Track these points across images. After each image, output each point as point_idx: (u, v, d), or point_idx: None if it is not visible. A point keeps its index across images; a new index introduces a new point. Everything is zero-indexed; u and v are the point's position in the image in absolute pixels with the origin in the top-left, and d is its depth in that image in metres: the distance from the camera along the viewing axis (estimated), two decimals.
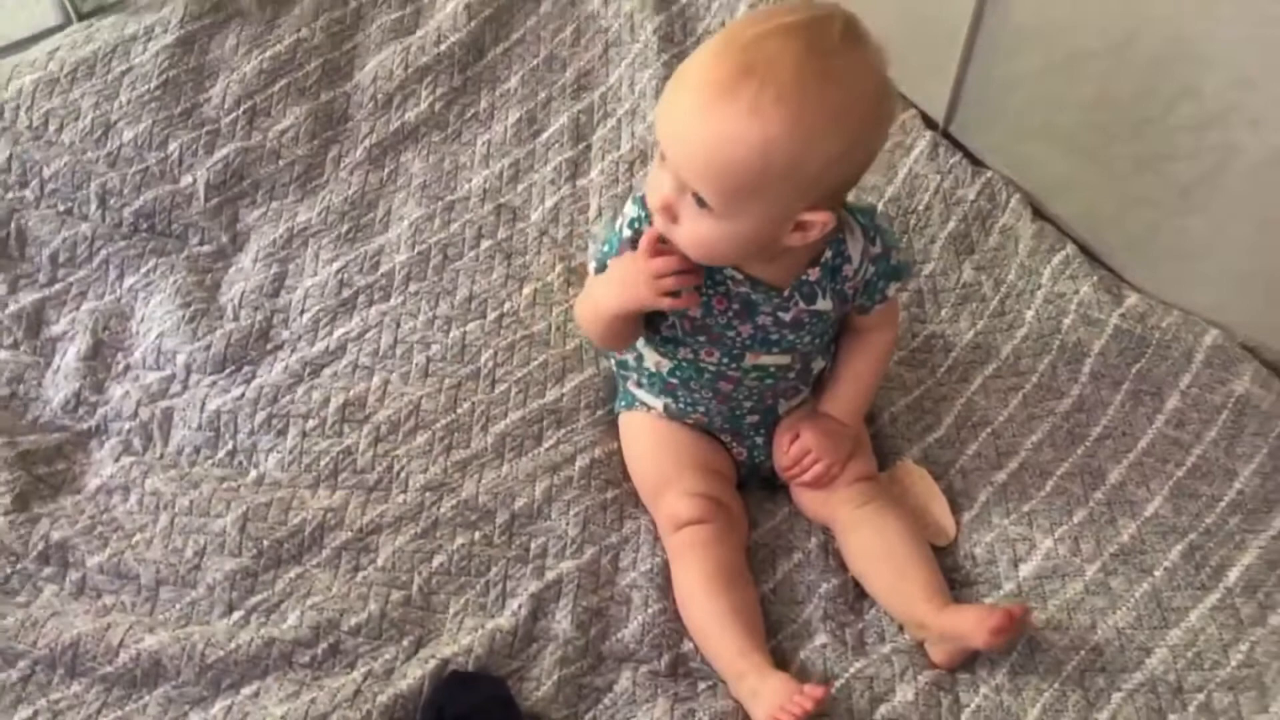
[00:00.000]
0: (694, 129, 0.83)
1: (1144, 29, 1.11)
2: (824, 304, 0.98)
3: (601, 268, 0.99)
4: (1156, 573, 1.00)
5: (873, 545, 1.02)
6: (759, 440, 1.09)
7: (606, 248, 1.00)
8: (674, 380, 1.05)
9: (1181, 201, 1.16)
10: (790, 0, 0.90)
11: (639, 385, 1.10)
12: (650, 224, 0.93)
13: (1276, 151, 1.05)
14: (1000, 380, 1.16)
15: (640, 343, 1.05)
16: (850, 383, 1.06)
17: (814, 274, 0.96)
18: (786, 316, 0.97)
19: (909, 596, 0.98)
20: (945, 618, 0.95)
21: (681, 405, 1.07)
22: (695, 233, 0.88)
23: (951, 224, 1.29)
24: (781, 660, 0.98)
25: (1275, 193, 1.07)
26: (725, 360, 1.01)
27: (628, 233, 0.97)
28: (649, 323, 1.02)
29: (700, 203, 0.86)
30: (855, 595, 1.03)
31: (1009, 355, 1.18)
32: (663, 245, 0.91)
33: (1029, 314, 1.21)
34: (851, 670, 0.97)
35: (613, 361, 1.13)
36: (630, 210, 0.97)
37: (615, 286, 0.96)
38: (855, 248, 0.96)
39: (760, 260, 0.94)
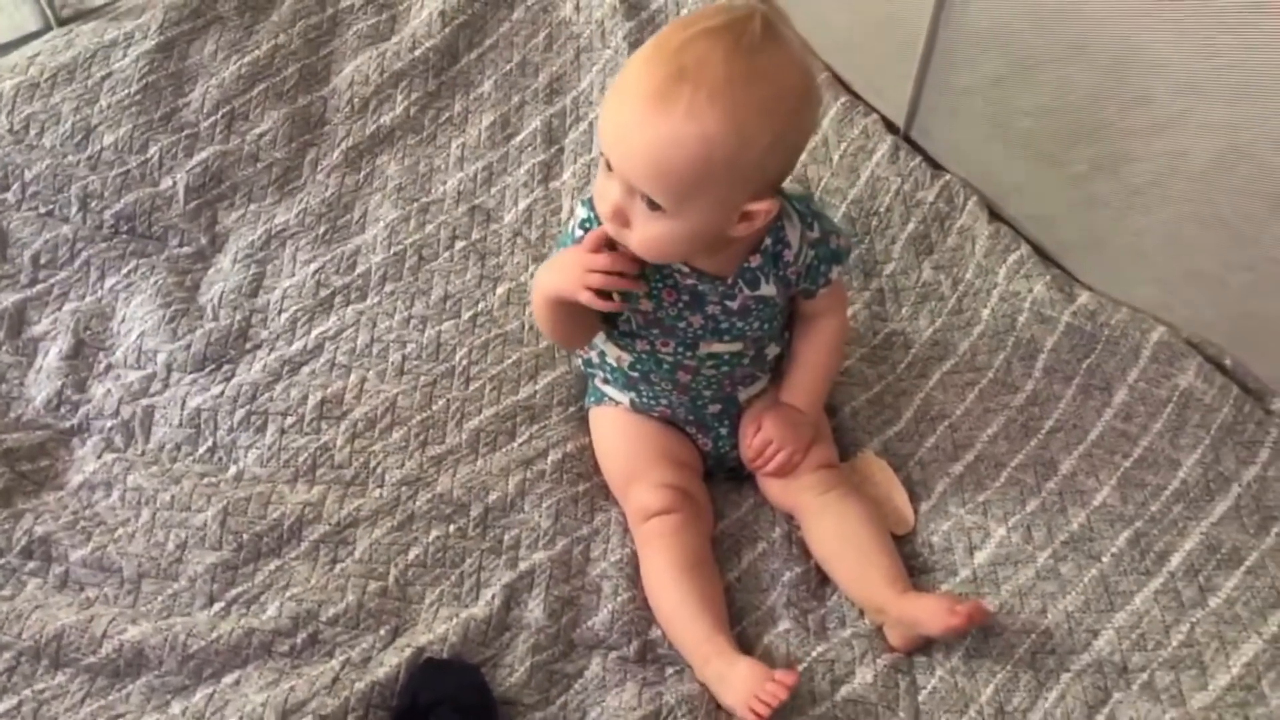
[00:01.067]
0: (637, 136, 0.87)
1: (1097, 36, 1.14)
2: (768, 289, 1.01)
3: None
4: (1104, 559, 1.04)
5: (835, 531, 1.05)
6: (723, 431, 1.12)
7: (560, 250, 1.03)
8: (635, 374, 1.08)
9: (1132, 203, 1.19)
10: (711, 4, 0.95)
11: (606, 381, 1.13)
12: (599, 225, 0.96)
13: (1222, 155, 1.08)
14: (958, 376, 1.19)
15: (600, 338, 1.08)
16: (805, 370, 1.09)
17: (755, 260, 0.99)
18: (734, 304, 1.01)
19: (870, 581, 1.02)
20: (904, 604, 0.99)
21: (645, 399, 1.10)
22: (648, 234, 0.92)
23: (911, 225, 1.32)
24: (746, 645, 1.01)
25: (1220, 195, 1.10)
26: (681, 349, 1.04)
27: (579, 233, 1.00)
28: (607, 319, 1.05)
29: (651, 205, 0.89)
30: (817, 583, 1.06)
31: (966, 351, 1.21)
32: (611, 249, 0.95)
33: (985, 312, 1.24)
34: (814, 654, 1.00)
35: (581, 360, 1.16)
36: (580, 212, 1.00)
37: (553, 272, 0.99)
38: (794, 234, 1.00)
39: (706, 253, 0.98)
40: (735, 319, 1.02)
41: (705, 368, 1.06)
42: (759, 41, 0.86)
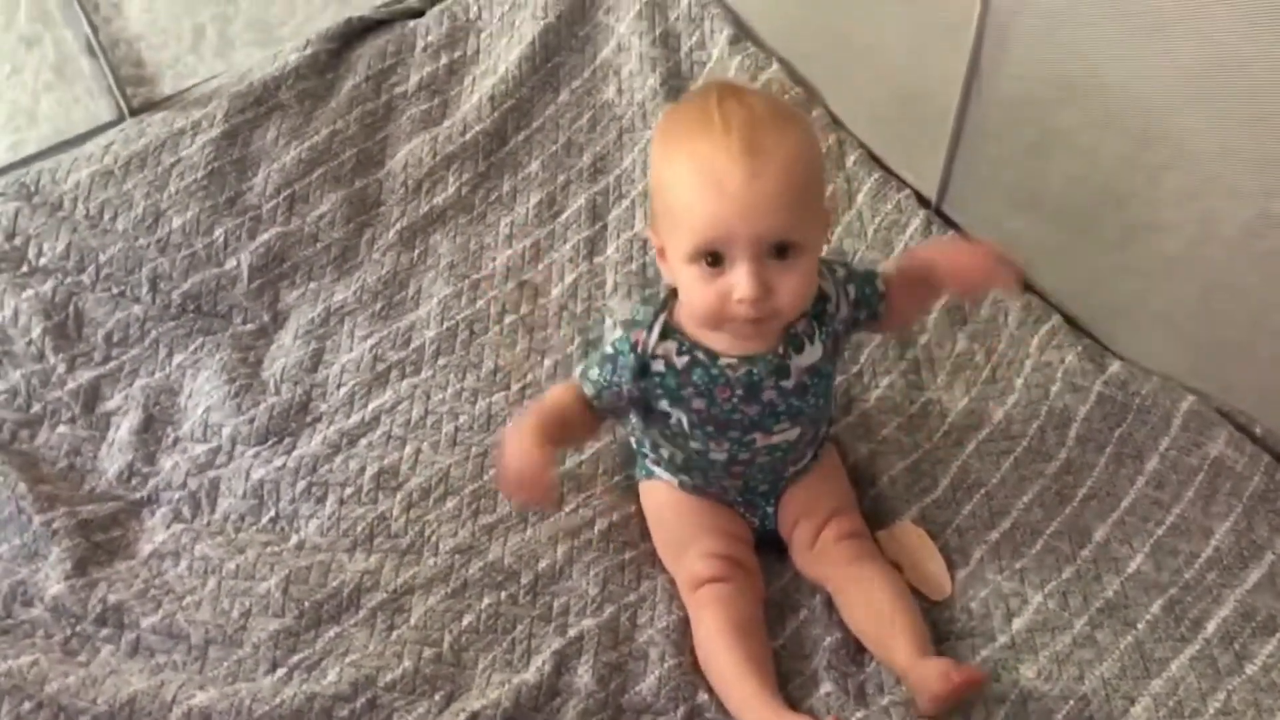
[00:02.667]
0: (764, 183, 0.90)
1: (1126, 105, 1.14)
2: (813, 351, 1.03)
3: (584, 372, 1.05)
4: (1139, 625, 1.05)
5: (861, 602, 1.07)
6: (769, 510, 1.14)
7: (596, 370, 1.04)
8: (687, 464, 1.11)
9: (1164, 271, 1.19)
10: (686, 104, 1.02)
11: (656, 463, 1.15)
12: (631, 352, 1.00)
13: (1253, 222, 1.08)
14: (993, 444, 1.21)
15: (655, 434, 1.10)
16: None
17: (800, 324, 1.02)
18: (789, 384, 1.03)
19: (892, 649, 1.03)
20: (915, 669, 1.00)
21: (696, 482, 1.12)
22: (794, 284, 0.93)
23: (945, 297, 1.33)
24: (790, 708, 1.01)
25: (1252, 263, 1.10)
26: (736, 449, 1.06)
27: (609, 350, 1.03)
28: (656, 421, 1.07)
29: (780, 252, 0.93)
30: (856, 649, 1.08)
31: (1001, 421, 1.22)
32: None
33: (1019, 381, 1.25)
34: (854, 719, 1.02)
35: (633, 440, 1.18)
36: (617, 333, 1.03)
37: (508, 455, 0.99)
38: (828, 284, 1.03)
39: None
40: (793, 398, 1.04)
41: (760, 458, 1.08)
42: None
